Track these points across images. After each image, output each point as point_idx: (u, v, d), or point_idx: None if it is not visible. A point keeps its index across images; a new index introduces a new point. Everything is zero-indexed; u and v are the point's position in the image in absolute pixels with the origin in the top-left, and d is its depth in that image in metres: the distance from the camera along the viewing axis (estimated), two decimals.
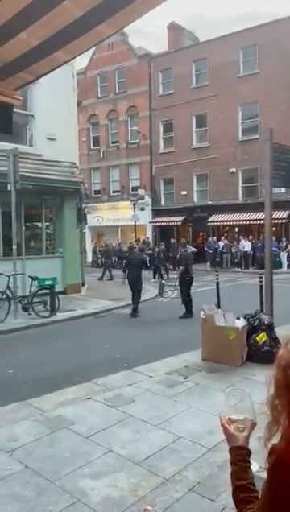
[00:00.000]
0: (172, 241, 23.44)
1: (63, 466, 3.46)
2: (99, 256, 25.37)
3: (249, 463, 1.28)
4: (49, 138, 13.09)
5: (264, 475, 1.09)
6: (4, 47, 2.09)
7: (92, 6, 1.85)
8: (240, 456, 1.27)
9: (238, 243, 22.63)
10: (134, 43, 28.92)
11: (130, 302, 10.78)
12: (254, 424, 1.31)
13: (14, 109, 2.73)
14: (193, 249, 12.86)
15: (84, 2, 1.83)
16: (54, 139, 13.14)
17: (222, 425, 1.31)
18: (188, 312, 10.07)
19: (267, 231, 7.25)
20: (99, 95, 30.51)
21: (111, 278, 18.36)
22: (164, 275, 16.77)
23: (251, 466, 1.29)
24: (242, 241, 22.26)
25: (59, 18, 1.91)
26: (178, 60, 26.57)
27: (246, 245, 21.91)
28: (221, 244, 23.16)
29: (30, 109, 12.88)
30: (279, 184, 7.42)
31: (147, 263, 12.01)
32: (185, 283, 10.41)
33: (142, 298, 11.61)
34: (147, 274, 16.63)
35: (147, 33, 60.57)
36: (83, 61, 30.16)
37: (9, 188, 9.84)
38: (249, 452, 1.29)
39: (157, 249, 18.83)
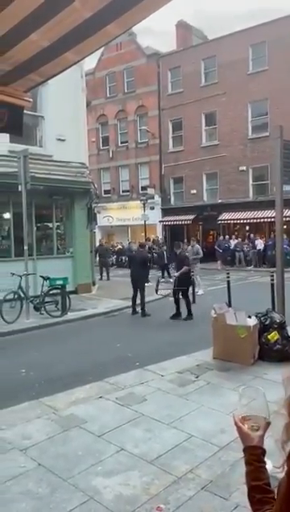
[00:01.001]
0: (160, 240, 23.26)
1: (76, 464, 3.48)
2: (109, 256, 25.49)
3: (264, 463, 1.27)
4: (59, 139, 13.17)
5: (279, 475, 1.09)
6: (15, 49, 2.11)
7: (101, 7, 1.87)
8: (255, 455, 1.26)
9: (250, 241, 22.50)
10: (143, 43, 28.98)
11: (138, 301, 10.60)
12: (268, 423, 1.28)
13: (24, 111, 2.75)
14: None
15: (94, 2, 1.85)
16: (63, 140, 13.21)
17: (236, 424, 1.29)
18: (190, 314, 9.77)
19: (278, 229, 7.21)
20: (108, 95, 30.59)
21: (101, 278, 18.62)
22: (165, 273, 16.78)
23: (266, 465, 1.28)
24: (257, 239, 22.19)
25: (68, 18, 1.93)
26: (187, 59, 26.52)
27: (259, 244, 21.82)
28: (232, 242, 23.08)
29: (39, 111, 12.97)
30: None
31: (147, 260, 11.60)
32: (187, 283, 10.25)
33: (152, 298, 11.59)
34: (158, 273, 16.73)
35: (155, 32, 60.55)
36: (91, 62, 30.27)
37: (20, 189, 9.92)
38: (264, 452, 1.27)
39: (165, 248, 18.67)
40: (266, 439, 1.31)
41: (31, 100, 2.60)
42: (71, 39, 2.13)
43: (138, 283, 10.59)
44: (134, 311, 10.68)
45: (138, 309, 10.56)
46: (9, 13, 1.90)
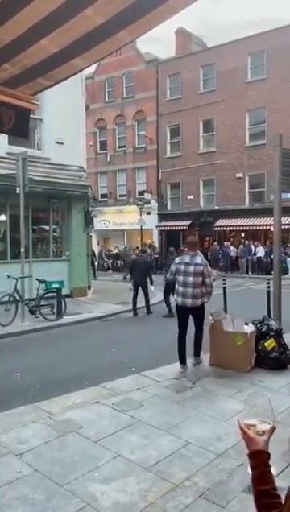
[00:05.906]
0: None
1: (72, 470, 3.45)
2: (105, 260, 25.57)
3: (270, 467, 1.28)
4: (57, 142, 13.17)
5: (281, 481, 1.08)
6: (24, 53, 2.12)
7: (113, 14, 1.87)
8: (261, 460, 1.26)
9: (248, 248, 22.58)
10: (142, 49, 29.11)
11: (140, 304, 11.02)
12: (273, 428, 1.30)
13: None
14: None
15: (106, 9, 1.85)
16: (62, 143, 13.22)
17: (241, 428, 1.30)
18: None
19: (275, 237, 7.24)
20: (106, 100, 30.67)
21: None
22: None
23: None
24: (258, 246, 22.30)
25: (80, 25, 1.94)
26: (186, 66, 26.68)
27: (259, 251, 21.93)
28: (232, 249, 23.18)
29: (38, 113, 12.94)
30: (289, 190, 7.40)
31: (150, 264, 12.36)
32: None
33: (151, 301, 11.67)
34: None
35: (155, 38, 60.83)
36: (91, 66, 30.34)
37: (17, 191, 9.90)
38: (269, 456, 1.28)
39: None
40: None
41: (38, 103, 2.61)
42: (81, 45, 2.14)
43: (142, 287, 11.06)
44: (136, 313, 11.01)
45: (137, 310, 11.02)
46: (20, 18, 1.91)
